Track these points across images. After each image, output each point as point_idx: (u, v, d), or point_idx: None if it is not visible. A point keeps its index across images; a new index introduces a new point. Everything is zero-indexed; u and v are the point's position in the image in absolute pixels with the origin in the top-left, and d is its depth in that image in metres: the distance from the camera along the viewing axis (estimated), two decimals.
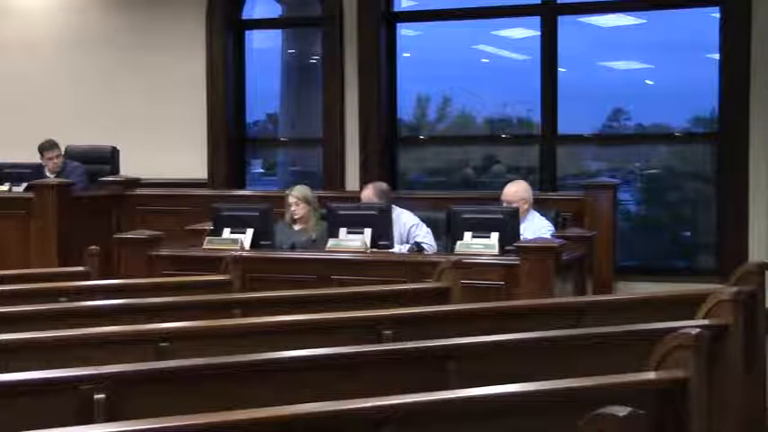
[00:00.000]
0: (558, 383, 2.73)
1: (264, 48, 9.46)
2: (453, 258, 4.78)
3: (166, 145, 8.92)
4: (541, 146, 8.16)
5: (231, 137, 8.96)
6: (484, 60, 9.05)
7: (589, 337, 3.54)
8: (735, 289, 3.66)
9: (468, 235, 5.74)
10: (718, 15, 7.52)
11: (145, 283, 5.18)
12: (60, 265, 6.74)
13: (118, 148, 8.81)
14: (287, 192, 6.70)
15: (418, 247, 6.10)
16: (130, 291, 4.73)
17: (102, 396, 2.73)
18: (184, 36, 8.93)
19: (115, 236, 6.41)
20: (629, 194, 8.37)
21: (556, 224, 6.57)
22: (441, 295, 4.44)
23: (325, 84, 8.61)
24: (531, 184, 6.80)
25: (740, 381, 3.53)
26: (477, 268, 5.38)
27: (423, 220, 6.49)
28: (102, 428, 2.44)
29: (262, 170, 9.61)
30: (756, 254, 7.03)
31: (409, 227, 6.41)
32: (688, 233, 8.27)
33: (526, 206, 6.36)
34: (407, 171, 8.82)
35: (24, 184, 7.65)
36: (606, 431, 2.12)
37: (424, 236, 6.33)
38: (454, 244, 5.75)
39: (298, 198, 6.54)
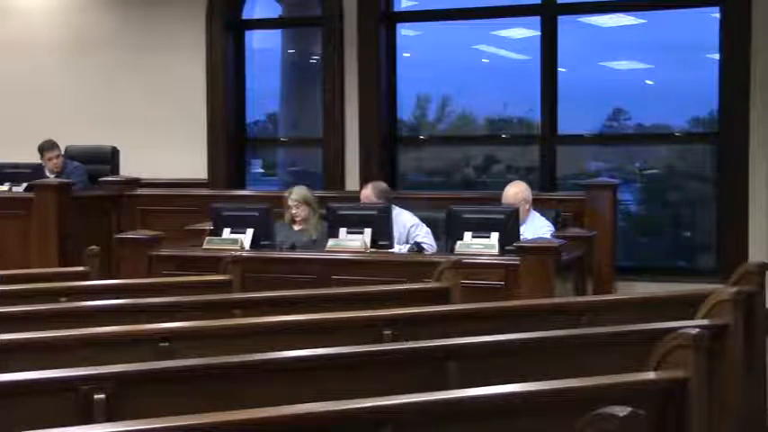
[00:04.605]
0: (558, 383, 2.73)
1: (264, 48, 9.46)
2: (453, 258, 4.78)
3: (166, 145, 8.92)
4: (541, 146, 8.16)
5: (231, 137, 8.95)
6: (484, 60, 9.05)
7: (589, 337, 3.55)
8: (735, 289, 3.66)
9: (468, 235, 5.74)
10: (718, 15, 7.52)
11: (145, 283, 5.18)
12: (60, 265, 6.74)
13: (118, 148, 8.81)
14: (286, 193, 6.69)
15: (418, 247, 6.10)
16: (130, 291, 4.73)
17: (102, 396, 2.73)
18: (184, 36, 8.93)
19: (115, 236, 6.41)
20: (630, 194, 8.36)
21: (556, 224, 6.57)
22: (441, 295, 4.44)
23: (325, 84, 8.60)
24: (531, 184, 6.80)
25: (740, 381, 3.53)
26: (477, 268, 5.38)
27: (423, 220, 6.49)
28: (102, 428, 2.44)
29: (262, 170, 9.61)
30: (756, 254, 7.02)
31: (409, 227, 6.41)
32: (688, 233, 8.27)
33: (527, 207, 6.37)
34: (407, 171, 8.82)
35: (24, 184, 7.65)
36: (606, 431, 2.12)
37: (424, 236, 6.33)
38: (454, 244, 5.75)
39: (297, 201, 6.54)
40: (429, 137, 8.91)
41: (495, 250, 5.63)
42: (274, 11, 9.64)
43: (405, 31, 8.71)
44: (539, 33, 8.08)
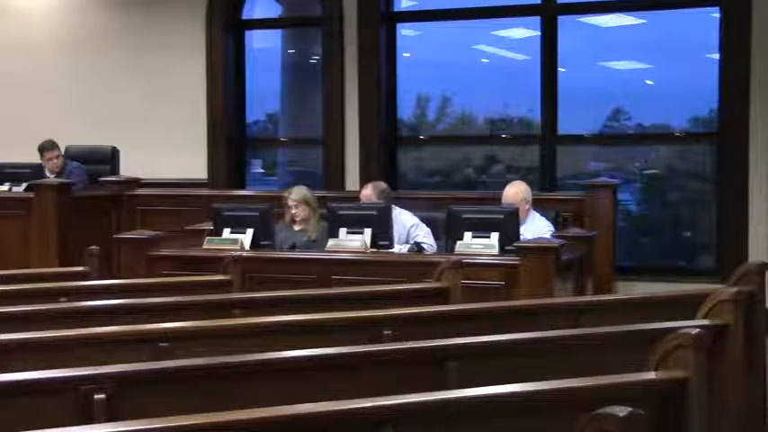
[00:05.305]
0: (558, 383, 2.73)
1: (264, 48, 9.46)
2: (453, 258, 4.77)
3: (166, 145, 8.92)
4: (541, 146, 8.16)
5: (231, 137, 8.95)
6: (484, 60, 9.05)
7: (589, 337, 3.54)
8: (735, 289, 3.66)
9: (468, 235, 5.74)
10: (718, 15, 7.52)
11: (145, 283, 5.18)
12: (60, 265, 6.74)
13: (118, 148, 8.82)
14: (285, 193, 6.69)
15: (418, 247, 6.10)
16: (130, 291, 4.73)
17: (102, 396, 2.73)
18: (184, 36, 8.93)
19: (115, 236, 6.41)
20: (629, 194, 8.37)
21: (556, 224, 6.57)
22: (441, 295, 4.44)
23: (325, 84, 8.61)
24: (531, 184, 6.80)
25: (740, 381, 3.53)
26: (477, 268, 5.38)
27: (423, 220, 6.49)
28: (102, 428, 2.44)
29: (262, 170, 9.61)
30: (756, 254, 7.02)
31: (409, 227, 6.41)
32: (688, 233, 8.27)
33: (527, 207, 6.37)
34: (407, 171, 8.82)
35: (24, 184, 7.65)
36: (606, 431, 2.12)
37: (425, 236, 6.33)
38: (454, 244, 5.75)
39: (297, 201, 6.54)
40: (429, 137, 8.91)
41: (495, 250, 5.62)
42: (274, 11, 9.64)
43: (405, 31, 8.71)
44: (539, 33, 8.08)
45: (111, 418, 2.70)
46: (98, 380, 2.77)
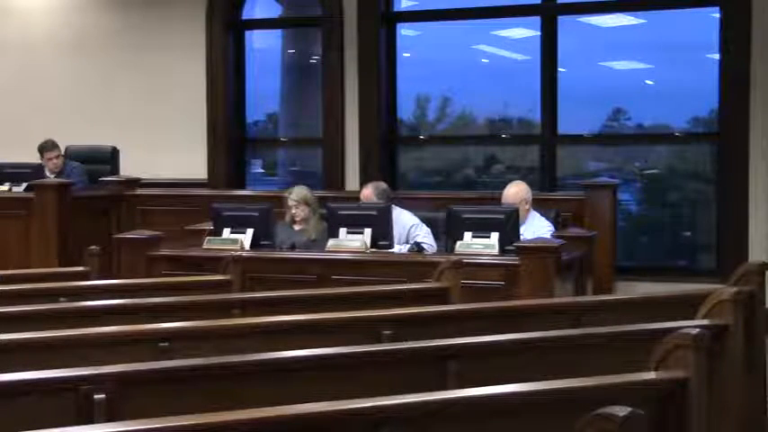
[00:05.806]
0: (558, 383, 2.73)
1: (264, 48, 9.47)
2: (453, 258, 4.77)
3: (166, 145, 8.92)
4: (541, 146, 8.16)
5: (231, 137, 8.96)
6: (484, 60, 9.05)
7: (589, 337, 3.54)
8: (735, 289, 3.65)
9: (468, 235, 5.74)
10: (718, 15, 7.52)
11: (145, 283, 5.18)
12: (60, 265, 6.74)
13: (118, 148, 8.82)
14: (286, 193, 6.70)
15: (418, 247, 6.10)
16: (130, 291, 4.72)
17: (102, 396, 2.73)
18: (184, 36, 8.93)
19: (115, 236, 6.41)
20: (629, 194, 8.37)
21: (556, 224, 6.57)
22: (441, 295, 4.44)
23: (325, 84, 8.61)
24: (531, 184, 6.80)
25: (740, 381, 3.53)
26: (477, 268, 5.38)
27: (423, 220, 6.49)
28: (102, 428, 2.44)
29: (262, 170, 9.61)
30: (756, 254, 7.03)
31: (409, 227, 6.41)
32: (688, 233, 8.27)
33: (527, 207, 6.37)
34: (407, 171, 8.82)
35: (24, 184, 7.65)
36: (606, 431, 2.12)
37: (425, 236, 6.33)
38: (454, 244, 5.76)
39: (297, 201, 6.54)
40: (429, 137, 8.91)
41: (495, 250, 5.63)
42: (274, 11, 9.64)
43: (405, 31, 8.71)
44: (539, 33, 8.08)
45: (111, 418, 2.70)
46: (98, 380, 2.77)
